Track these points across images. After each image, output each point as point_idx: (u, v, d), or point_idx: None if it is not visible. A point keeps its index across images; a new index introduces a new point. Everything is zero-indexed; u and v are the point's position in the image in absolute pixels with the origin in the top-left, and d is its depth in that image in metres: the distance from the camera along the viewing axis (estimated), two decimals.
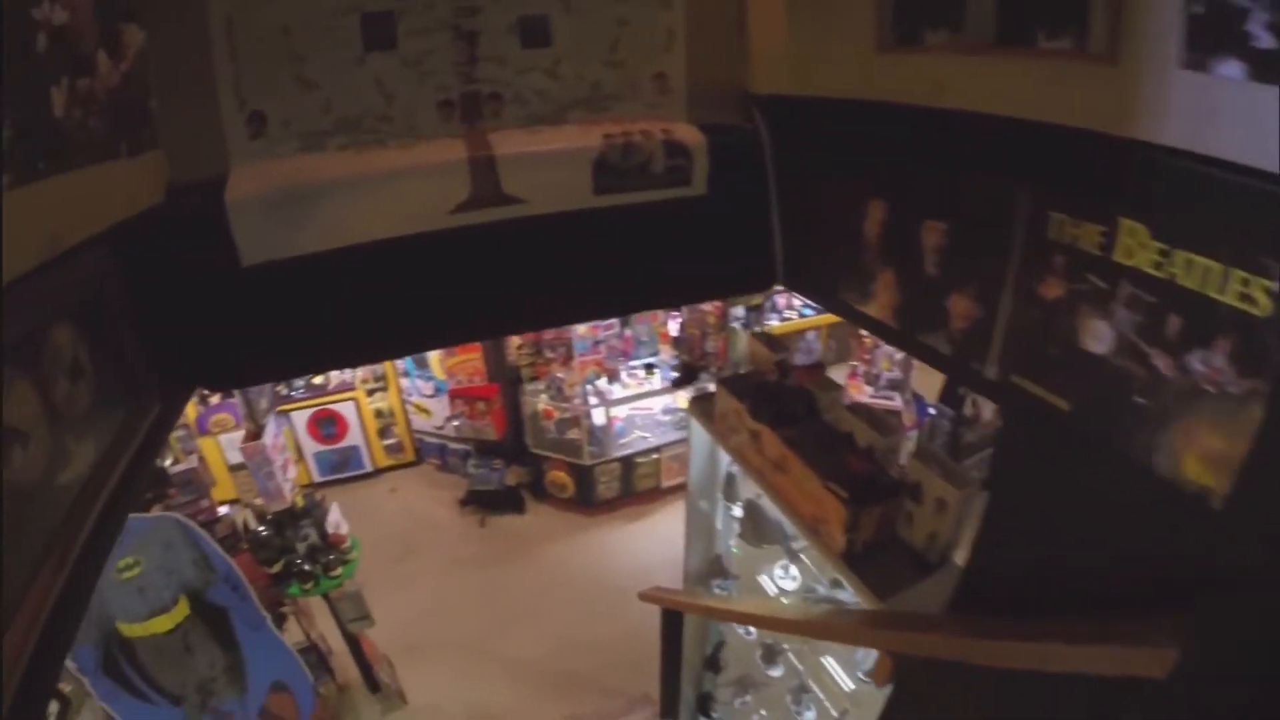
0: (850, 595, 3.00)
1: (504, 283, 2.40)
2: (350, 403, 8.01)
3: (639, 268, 2.59)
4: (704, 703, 4.56)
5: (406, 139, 2.27)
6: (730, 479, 3.71)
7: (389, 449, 8.37)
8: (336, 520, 4.97)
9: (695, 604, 3.79)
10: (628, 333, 7.69)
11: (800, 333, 9.11)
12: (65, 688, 4.32)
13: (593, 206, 2.38)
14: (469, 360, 7.28)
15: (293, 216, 2.05)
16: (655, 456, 7.42)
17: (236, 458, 7.99)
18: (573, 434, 7.35)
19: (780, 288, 3.45)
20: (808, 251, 2.62)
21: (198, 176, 2.01)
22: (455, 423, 7.39)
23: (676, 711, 4.69)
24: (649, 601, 4.36)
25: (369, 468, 8.40)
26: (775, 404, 2.92)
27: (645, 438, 7.50)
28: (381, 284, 2.24)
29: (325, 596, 4.95)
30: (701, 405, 3.41)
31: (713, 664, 4.48)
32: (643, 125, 2.41)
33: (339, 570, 4.82)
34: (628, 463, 7.34)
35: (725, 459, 3.71)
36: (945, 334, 1.94)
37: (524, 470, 7.82)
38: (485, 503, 7.59)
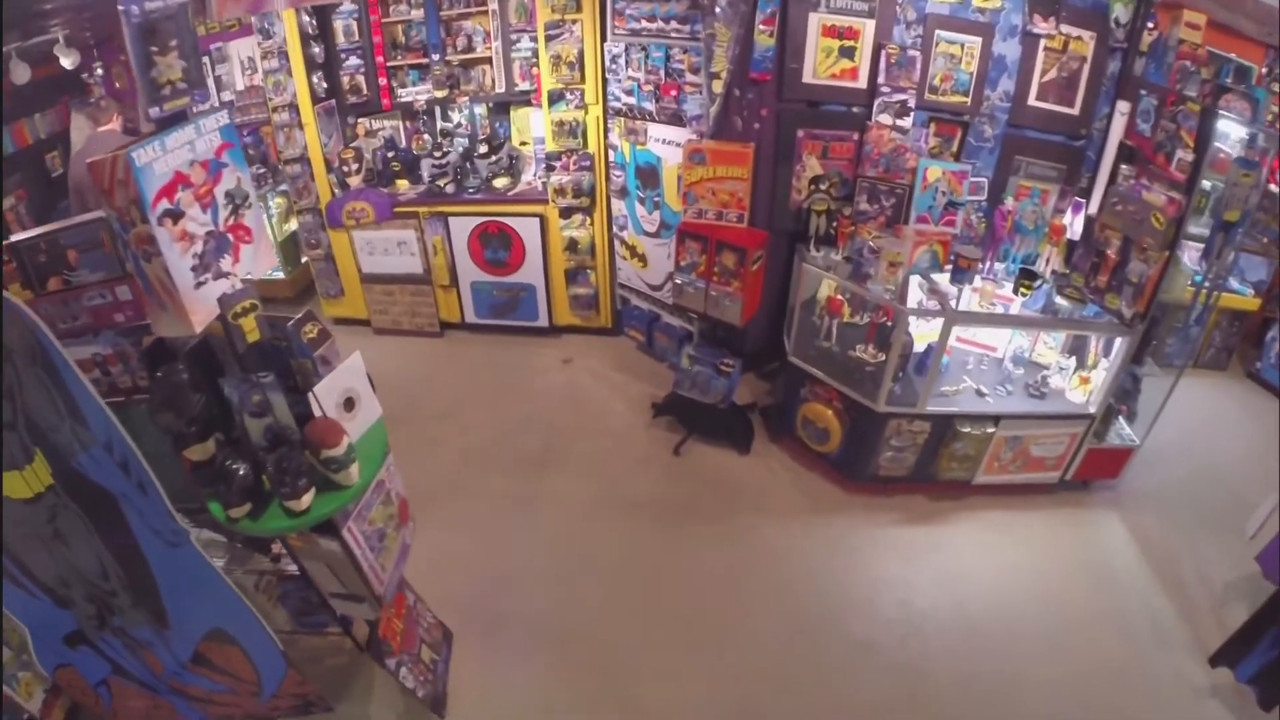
0: None
1: None
2: (534, 220, 5.59)
3: None
4: None
5: None
6: None
7: (577, 302, 5.91)
8: (343, 389, 2.48)
9: None
10: (1008, 203, 4.42)
11: None
12: None
13: None
14: (728, 178, 4.41)
15: None
16: (989, 431, 4.27)
17: (376, 265, 6.04)
18: (865, 352, 4.37)
19: None
20: None
21: None
22: (679, 279, 4.63)
23: None
24: None
25: (543, 321, 6.07)
26: None
27: (981, 394, 4.36)
28: None
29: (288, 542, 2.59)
30: None
31: None
32: None
33: (304, 499, 2.37)
34: (943, 426, 4.27)
35: None
36: None
37: (766, 386, 5.18)
38: (691, 419, 4.97)
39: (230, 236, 2.39)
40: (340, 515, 2.58)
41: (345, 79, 5.79)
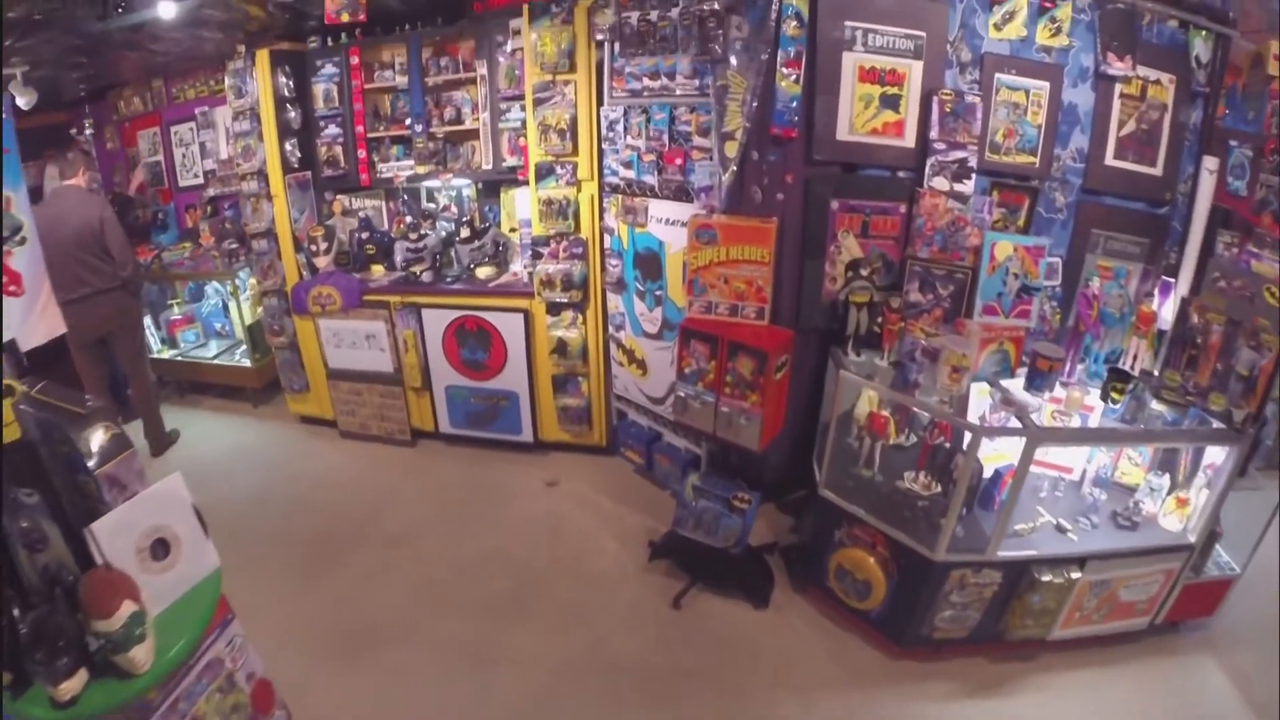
0: None
1: None
2: (518, 316, 4.82)
3: None
4: None
5: None
6: None
7: (566, 415, 5.05)
8: (147, 527, 1.65)
9: None
10: (1094, 285, 3.57)
11: None
12: None
13: None
14: (744, 262, 3.60)
15: None
16: (1073, 576, 3.26)
17: (344, 359, 5.32)
18: (915, 483, 3.44)
19: None
20: None
21: None
22: (682, 391, 3.77)
23: None
24: None
25: (526, 435, 5.20)
26: None
27: (1062, 530, 3.38)
28: None
29: None
30: None
31: None
32: None
33: (64, 685, 1.52)
34: (1016, 575, 3.27)
35: None
36: None
37: (791, 525, 4.32)
38: (695, 564, 3.99)
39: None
40: (135, 709, 1.70)
41: (322, 149, 5.23)
